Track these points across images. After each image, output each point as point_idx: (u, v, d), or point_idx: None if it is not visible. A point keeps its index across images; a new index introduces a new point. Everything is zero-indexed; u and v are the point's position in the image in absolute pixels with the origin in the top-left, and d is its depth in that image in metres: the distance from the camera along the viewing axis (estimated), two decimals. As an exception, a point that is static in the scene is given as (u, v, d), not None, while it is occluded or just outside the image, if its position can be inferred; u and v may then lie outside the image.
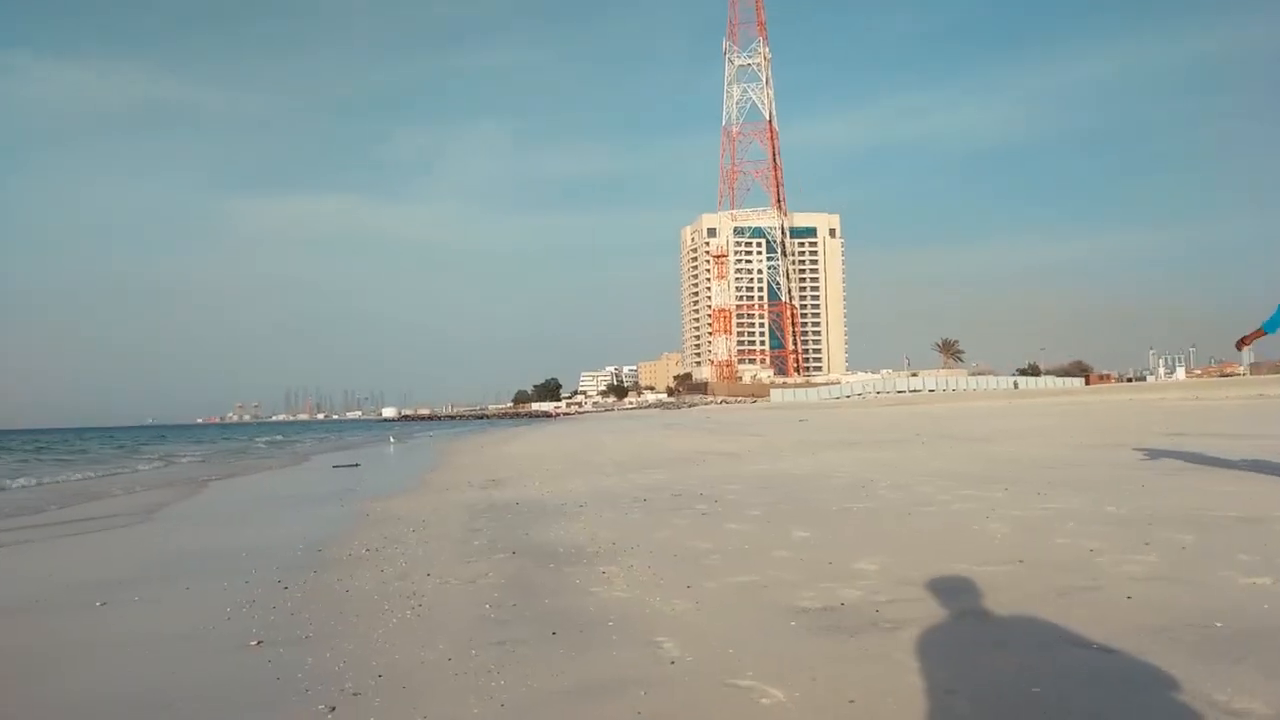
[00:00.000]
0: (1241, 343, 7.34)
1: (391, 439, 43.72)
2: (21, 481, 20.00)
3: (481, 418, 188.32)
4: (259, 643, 4.55)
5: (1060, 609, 4.28)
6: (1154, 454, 11.06)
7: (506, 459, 20.23)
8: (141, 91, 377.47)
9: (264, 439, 55.03)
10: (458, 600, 5.30)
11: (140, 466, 25.78)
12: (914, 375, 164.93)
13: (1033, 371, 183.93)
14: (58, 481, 20.24)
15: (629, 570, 5.83)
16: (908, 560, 5.55)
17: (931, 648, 3.79)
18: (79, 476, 22.08)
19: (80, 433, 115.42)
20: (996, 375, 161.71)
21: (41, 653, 4.69)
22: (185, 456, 31.86)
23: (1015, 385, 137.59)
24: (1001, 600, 4.50)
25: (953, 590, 4.76)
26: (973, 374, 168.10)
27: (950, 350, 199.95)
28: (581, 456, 18.79)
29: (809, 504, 8.51)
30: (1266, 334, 6.96)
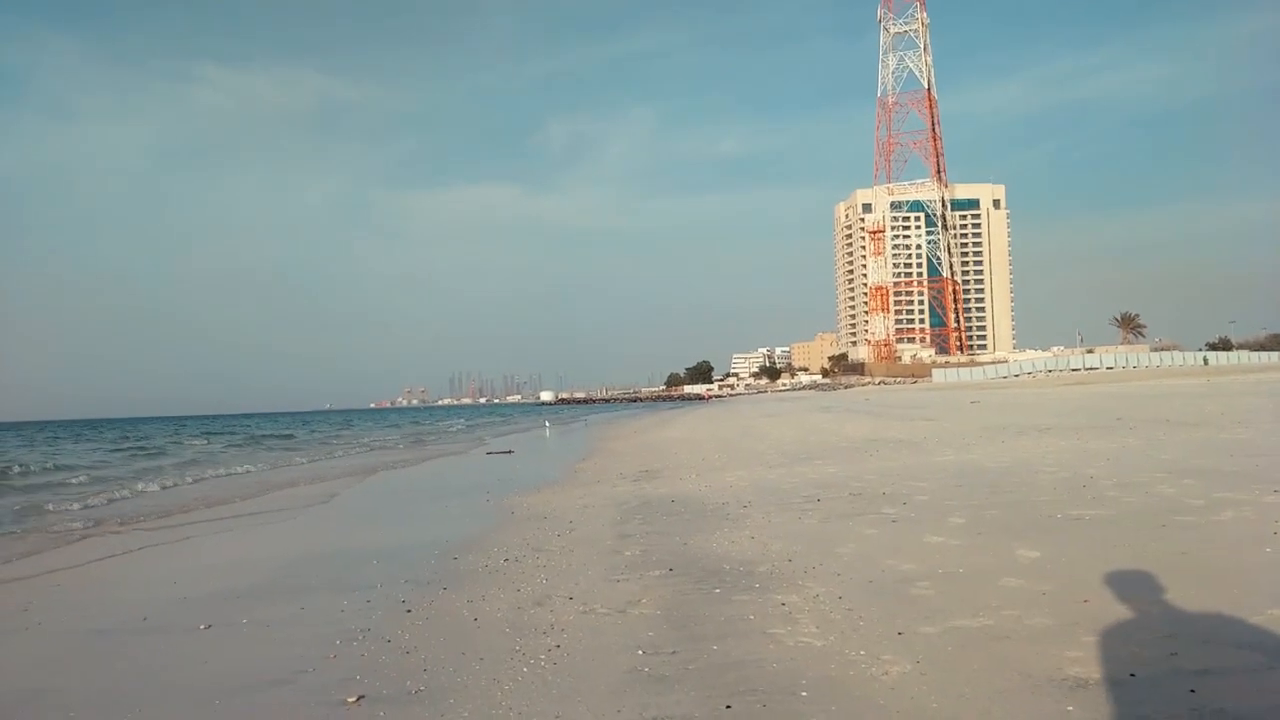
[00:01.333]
0: None
1: (547, 424, 43.79)
2: (219, 471, 20.58)
3: (635, 401, 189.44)
4: (359, 699, 3.65)
5: None
6: None
7: (660, 446, 19.32)
8: (312, 95, 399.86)
9: (452, 423, 57.24)
10: (604, 639, 4.28)
11: (330, 454, 26.06)
12: (1089, 352, 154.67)
13: (1223, 346, 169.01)
14: (246, 471, 20.44)
15: (815, 602, 4.65)
16: (1196, 598, 4.14)
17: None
18: (258, 467, 22.65)
19: (273, 418, 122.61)
20: (1182, 351, 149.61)
21: (113, 697, 3.96)
22: (378, 444, 32.14)
23: (1205, 362, 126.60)
24: (1380, 678, 3.08)
25: (1290, 654, 3.36)
26: (1155, 350, 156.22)
27: (1130, 325, 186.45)
28: (739, 443, 17.65)
29: (1023, 509, 7.07)
30: None
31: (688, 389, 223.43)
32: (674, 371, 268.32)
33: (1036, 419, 18.66)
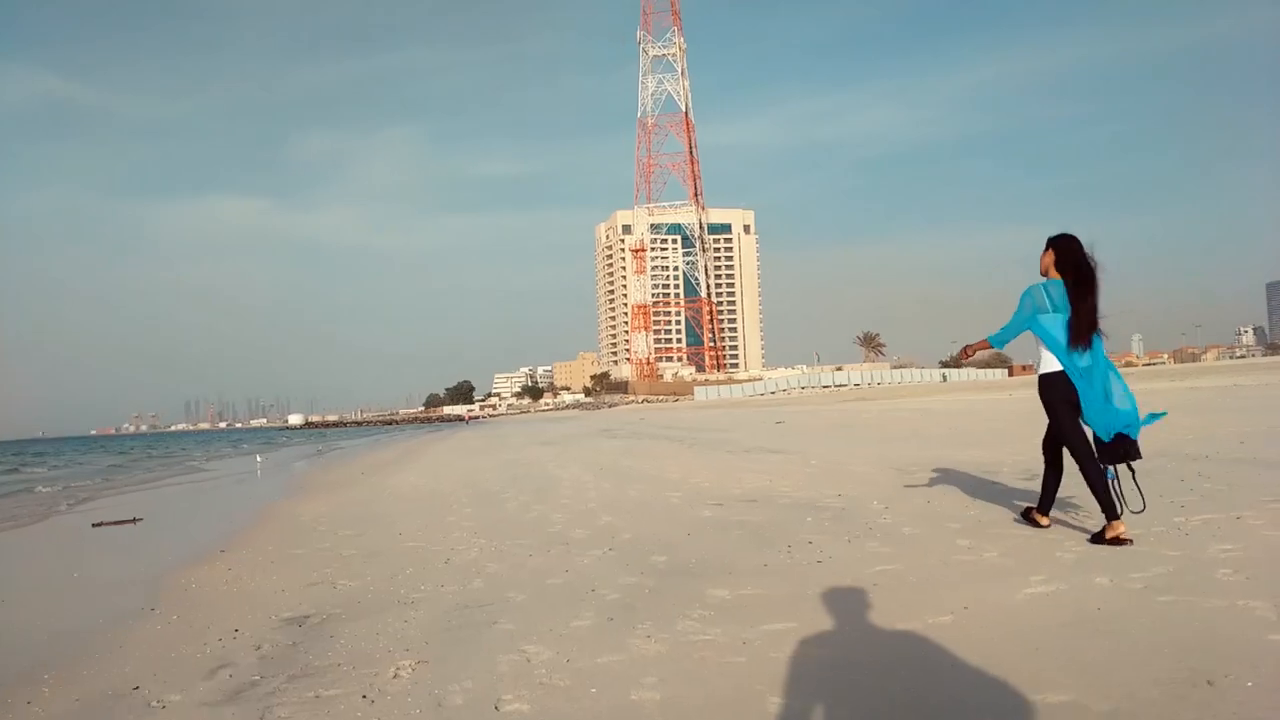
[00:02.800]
0: (966, 351, 6.18)
1: (259, 458, 34.53)
2: None
3: (390, 424, 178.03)
4: None
5: None
6: None
7: (384, 504, 11.85)
8: (37, 93, 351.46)
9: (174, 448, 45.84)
10: None
11: None
12: (839, 370, 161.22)
13: (955, 364, 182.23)
14: None
15: None
16: None
17: None
18: None
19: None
20: (920, 368, 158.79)
21: None
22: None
23: (944, 378, 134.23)
24: None
25: None
26: (895, 367, 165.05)
27: (872, 344, 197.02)
28: (511, 496, 10.62)
29: None
30: (992, 346, 5.92)
31: (447, 410, 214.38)
32: (434, 392, 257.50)
33: (936, 441, 12.87)
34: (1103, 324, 5.64)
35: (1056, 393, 5.65)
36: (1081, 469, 5.60)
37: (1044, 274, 5.78)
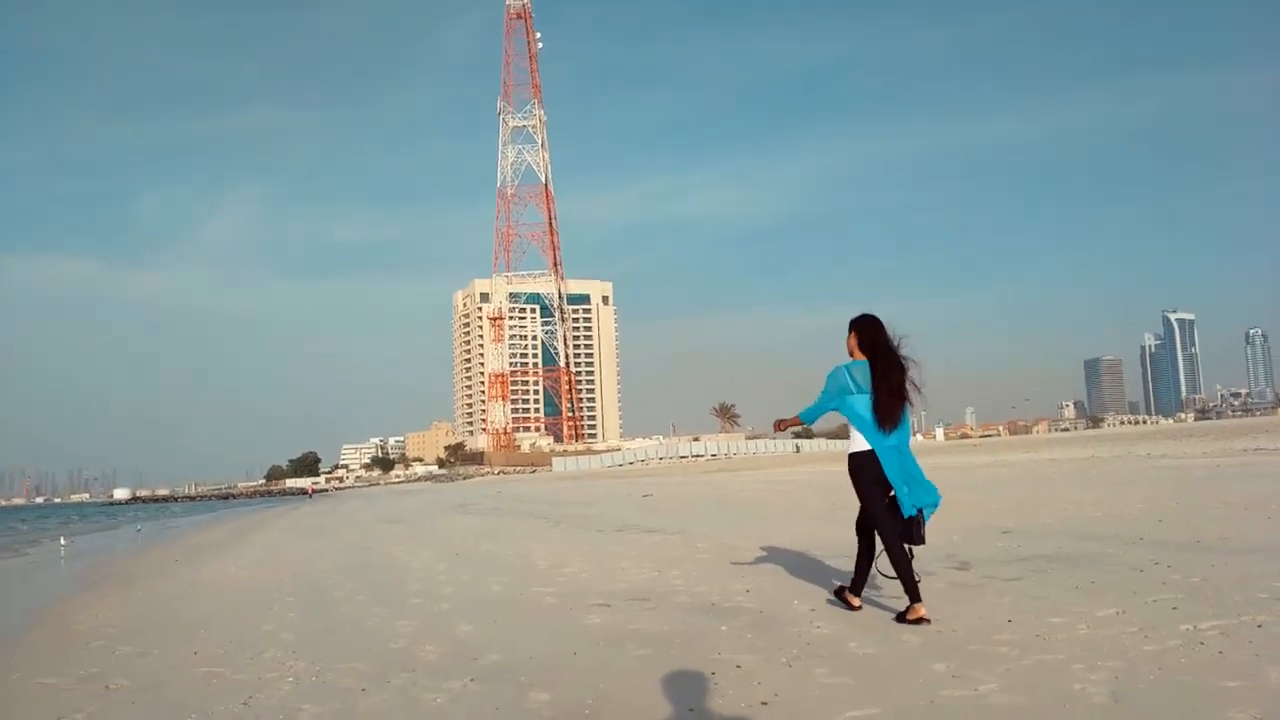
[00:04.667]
0: (779, 425, 6.35)
1: (63, 541, 30.45)
2: None
3: (227, 498, 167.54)
4: None
5: None
6: None
7: (183, 606, 9.69)
8: None
9: None
10: None
11: None
12: (696, 440, 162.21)
13: (807, 435, 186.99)
14: None
15: None
16: None
17: None
18: None
19: None
20: (773, 439, 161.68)
21: None
22: None
23: (798, 449, 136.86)
24: None
25: None
26: (749, 438, 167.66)
27: (727, 414, 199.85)
28: (347, 595, 8.70)
29: None
30: (803, 423, 6.25)
31: (290, 483, 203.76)
32: (276, 464, 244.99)
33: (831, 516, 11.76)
34: (912, 401, 5.76)
35: (865, 473, 5.74)
36: (887, 549, 5.67)
37: (850, 355, 5.84)
